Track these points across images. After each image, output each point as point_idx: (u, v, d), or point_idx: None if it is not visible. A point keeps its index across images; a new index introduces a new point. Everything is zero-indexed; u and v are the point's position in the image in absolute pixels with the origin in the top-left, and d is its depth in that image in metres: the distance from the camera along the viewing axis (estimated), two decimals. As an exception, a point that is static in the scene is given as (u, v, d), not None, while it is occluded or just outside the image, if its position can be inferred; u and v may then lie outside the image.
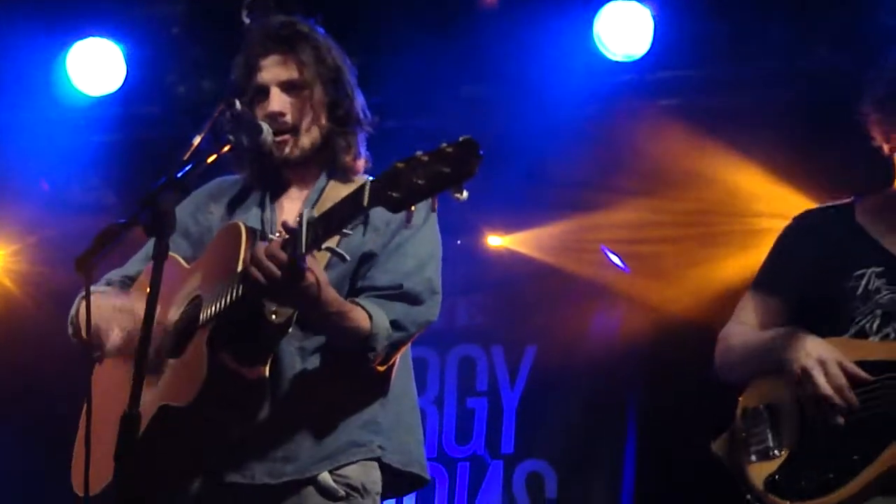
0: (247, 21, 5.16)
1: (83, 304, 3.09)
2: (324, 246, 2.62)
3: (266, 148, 3.02)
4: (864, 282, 3.17)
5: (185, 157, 2.78)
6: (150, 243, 2.95)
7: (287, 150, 3.04)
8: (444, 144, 2.42)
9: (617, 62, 5.27)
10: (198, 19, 5.48)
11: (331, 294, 2.78)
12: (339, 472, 2.91)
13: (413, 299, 2.95)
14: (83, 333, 3.04)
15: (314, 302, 2.73)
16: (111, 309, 2.99)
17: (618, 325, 6.41)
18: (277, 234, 2.91)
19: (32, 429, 6.20)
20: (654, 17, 5.16)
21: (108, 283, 3.19)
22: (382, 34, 5.18)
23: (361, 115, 3.13)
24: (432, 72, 5.26)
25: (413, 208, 2.46)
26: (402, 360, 3.05)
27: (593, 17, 5.22)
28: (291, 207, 3.09)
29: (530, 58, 5.28)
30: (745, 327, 3.35)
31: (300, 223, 2.61)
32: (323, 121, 3.06)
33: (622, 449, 6.21)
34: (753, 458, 3.14)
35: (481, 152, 2.39)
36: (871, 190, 3.34)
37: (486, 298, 6.65)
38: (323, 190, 3.05)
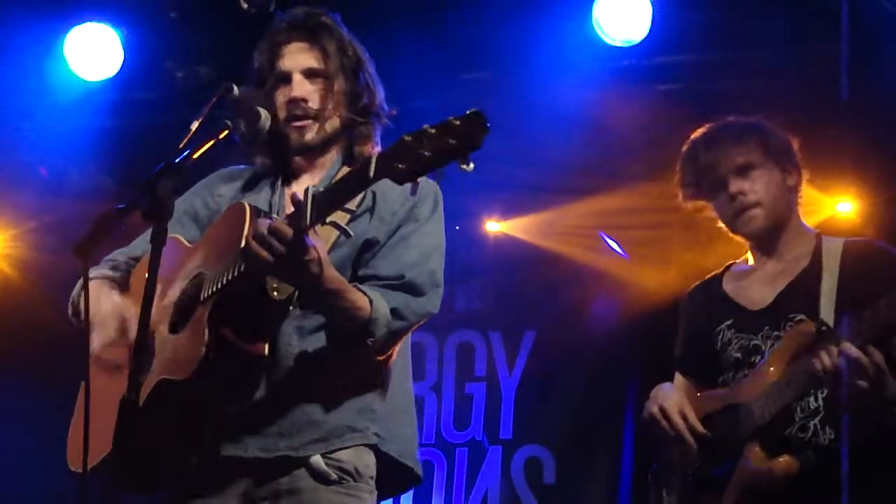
0: (244, 6, 5.16)
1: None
2: (328, 220, 2.63)
3: (266, 134, 3.03)
4: (720, 337, 3.52)
5: (184, 143, 2.78)
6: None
7: (308, 135, 3.07)
8: (452, 117, 2.43)
9: (616, 47, 5.26)
10: (196, 4, 5.47)
11: (332, 273, 2.78)
12: (331, 455, 2.91)
13: (415, 290, 2.96)
14: (82, 317, 3.09)
15: (316, 279, 2.74)
16: (104, 312, 3.00)
17: (616, 310, 6.42)
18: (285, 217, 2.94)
19: (32, 414, 6.21)
20: (652, 3, 5.16)
21: (114, 266, 3.20)
22: (380, 18, 5.16)
23: (381, 109, 3.16)
24: (430, 56, 5.26)
25: (419, 180, 2.47)
26: (400, 354, 3.06)
27: (592, 2, 5.21)
28: (301, 191, 3.10)
29: (529, 43, 5.28)
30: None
31: (306, 197, 2.63)
32: (343, 110, 3.09)
33: (621, 434, 6.23)
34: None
35: (488, 125, 2.41)
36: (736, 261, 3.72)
37: (485, 284, 6.66)
38: (334, 176, 3.06)
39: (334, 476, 2.89)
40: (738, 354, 3.47)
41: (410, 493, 6.12)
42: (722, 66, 5.44)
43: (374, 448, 2.98)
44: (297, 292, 2.81)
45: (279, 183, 3.13)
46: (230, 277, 2.76)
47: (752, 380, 3.40)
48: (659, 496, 3.63)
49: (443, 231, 3.11)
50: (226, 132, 2.88)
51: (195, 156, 2.77)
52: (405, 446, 3.05)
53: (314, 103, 3.06)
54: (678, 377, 3.72)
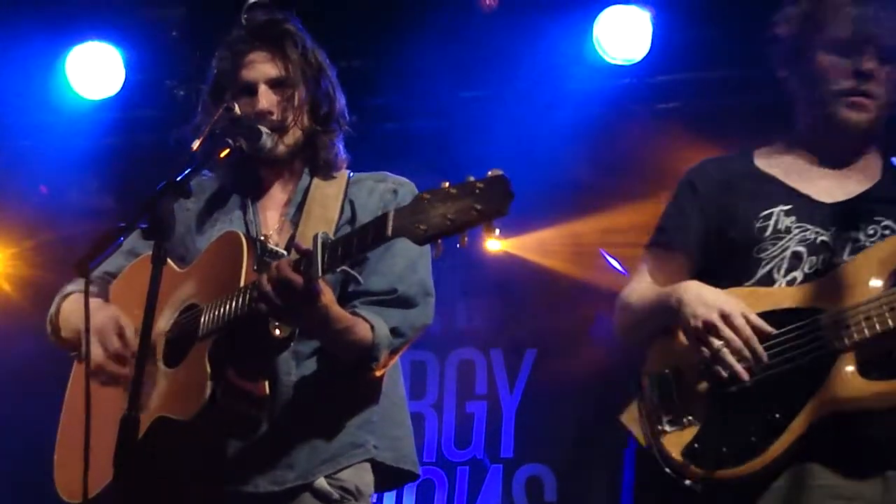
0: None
1: (63, 303, 3.10)
2: (338, 269, 2.60)
3: (263, 151, 3.01)
4: (772, 221, 2.96)
5: (184, 161, 2.77)
6: (132, 237, 2.94)
7: (269, 146, 3.00)
8: (473, 179, 2.37)
9: (616, 66, 5.27)
10: (196, 23, 5.48)
11: (337, 312, 2.76)
12: (334, 476, 2.90)
13: (408, 303, 2.94)
14: (62, 334, 3.06)
15: (322, 322, 2.73)
16: (99, 321, 2.93)
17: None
18: (262, 238, 2.90)
19: (31, 431, 6.19)
20: (652, 21, 5.17)
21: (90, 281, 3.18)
22: (384, 37, 5.18)
23: (342, 116, 3.12)
24: (433, 74, 5.27)
25: (440, 242, 2.41)
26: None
27: (593, 20, 5.23)
28: (274, 208, 3.07)
29: (530, 61, 5.29)
30: (643, 284, 3.10)
31: (315, 245, 2.58)
32: (305, 119, 3.05)
33: (622, 453, 6.20)
34: (667, 427, 2.92)
35: (512, 190, 2.34)
36: (765, 141, 3.19)
37: (486, 302, 6.66)
38: (307, 190, 3.04)
39: (336, 496, 2.88)
40: (801, 248, 2.90)
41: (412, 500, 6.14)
42: (722, 84, 5.45)
43: (370, 461, 2.96)
44: (297, 330, 2.79)
45: (248, 200, 3.08)
46: (231, 316, 2.73)
47: (833, 283, 2.82)
48: (655, 420, 2.97)
49: None
50: (227, 151, 2.88)
51: (196, 174, 2.77)
52: (399, 450, 3.03)
53: (278, 114, 3.01)
54: (650, 261, 3.13)
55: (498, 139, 5.33)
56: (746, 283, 2.92)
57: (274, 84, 3.02)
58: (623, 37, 5.20)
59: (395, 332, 2.89)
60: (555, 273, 6.44)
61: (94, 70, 5.51)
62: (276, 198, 3.08)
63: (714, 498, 2.83)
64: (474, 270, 6.49)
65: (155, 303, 2.54)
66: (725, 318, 2.80)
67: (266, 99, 3.00)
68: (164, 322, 2.93)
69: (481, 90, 5.50)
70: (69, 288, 3.15)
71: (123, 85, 5.54)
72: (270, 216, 3.06)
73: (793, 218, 2.94)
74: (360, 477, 2.95)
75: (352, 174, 3.10)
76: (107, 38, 5.51)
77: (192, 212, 3.11)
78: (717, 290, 2.86)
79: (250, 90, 3.02)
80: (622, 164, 5.81)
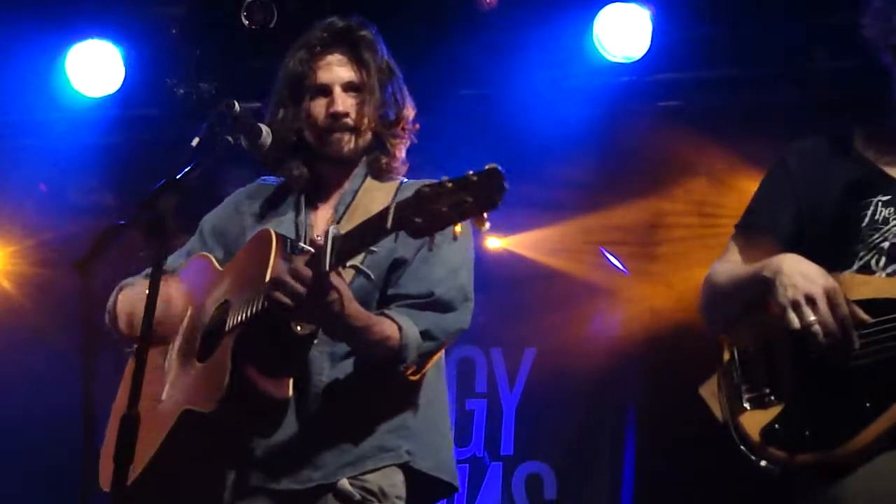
0: (246, 23, 5.18)
1: (120, 295, 3.17)
2: (349, 264, 2.64)
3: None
4: (870, 211, 2.82)
5: (185, 159, 2.78)
6: (193, 239, 3.11)
7: (346, 148, 3.08)
8: (470, 172, 2.42)
9: (616, 63, 5.27)
10: (197, 21, 5.48)
11: (355, 308, 2.77)
12: (359, 477, 2.90)
13: (444, 307, 2.96)
14: (119, 325, 3.11)
15: (337, 318, 2.73)
16: (172, 293, 3.02)
17: (617, 327, 6.41)
18: (310, 242, 2.92)
19: (33, 428, 6.20)
20: (652, 19, 5.17)
21: (146, 276, 3.20)
22: (382, 34, 5.17)
23: (409, 122, 3.19)
24: (432, 72, 5.26)
25: (434, 235, 2.45)
26: (435, 364, 3.04)
27: (592, 18, 5.22)
28: (326, 209, 3.12)
29: (529, 59, 5.28)
30: (732, 264, 2.99)
31: (326, 240, 2.62)
32: (375, 124, 3.11)
33: (622, 450, 6.21)
34: (747, 405, 2.79)
35: (506, 183, 2.38)
36: (867, 119, 3.02)
37: (486, 300, 6.60)
38: (357, 191, 3.08)
39: (358, 497, 2.88)
40: None
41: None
42: (722, 82, 5.44)
43: (403, 466, 2.96)
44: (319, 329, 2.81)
45: (303, 201, 3.13)
46: (254, 311, 2.76)
47: None
48: (735, 396, 2.84)
49: (471, 244, 3.12)
50: (226, 149, 2.88)
51: (196, 172, 2.77)
52: (439, 459, 3.03)
53: (352, 117, 3.08)
54: (739, 242, 3.01)
55: (497, 137, 5.33)
56: (845, 272, 2.78)
57: (349, 88, 3.10)
58: (623, 34, 5.19)
59: (425, 334, 2.90)
60: (555, 271, 6.44)
61: (95, 68, 5.50)
62: (330, 197, 3.13)
63: (790, 480, 2.75)
64: (475, 268, 6.48)
65: (155, 300, 2.54)
66: (827, 292, 2.67)
67: (341, 101, 3.07)
68: (205, 318, 2.97)
69: (481, 88, 5.50)
70: (127, 281, 3.22)
71: (123, 83, 5.53)
72: (321, 215, 3.11)
73: (891, 209, 2.82)
74: (388, 478, 2.94)
75: (405, 180, 3.14)
76: (107, 35, 5.51)
77: (247, 213, 3.18)
78: (817, 266, 2.72)
79: (325, 92, 3.09)
80: (622, 162, 5.81)
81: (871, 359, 2.68)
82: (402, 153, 3.15)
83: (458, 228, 2.42)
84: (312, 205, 3.13)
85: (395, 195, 3.04)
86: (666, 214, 6.01)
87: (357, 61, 3.10)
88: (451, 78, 5.41)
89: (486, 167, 2.41)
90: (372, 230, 2.56)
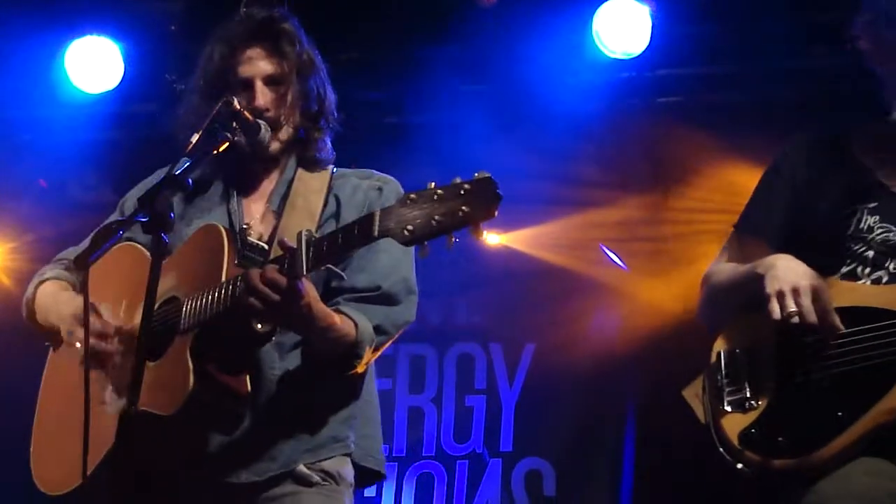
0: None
1: (39, 288, 3.19)
2: (322, 267, 2.62)
3: (260, 145, 3.02)
4: (855, 219, 2.86)
5: (183, 155, 2.78)
6: (106, 223, 2.99)
7: (268, 142, 3.03)
8: (460, 180, 2.37)
9: (615, 60, 5.27)
10: (196, 17, 5.48)
11: (320, 309, 2.77)
12: (315, 463, 2.93)
13: (391, 300, 2.96)
14: (37, 318, 3.14)
15: (305, 320, 2.74)
16: (64, 314, 2.99)
17: (617, 323, 6.41)
18: (245, 226, 2.93)
19: (31, 425, 6.19)
20: (652, 15, 5.17)
21: (67, 266, 3.19)
22: (383, 32, 5.18)
23: (332, 114, 3.15)
24: (431, 69, 5.27)
25: (426, 244, 2.40)
26: None
27: (592, 14, 5.22)
28: (258, 199, 3.09)
29: (529, 55, 5.29)
30: (728, 264, 3.05)
31: (300, 243, 2.59)
32: (297, 116, 3.08)
33: (621, 447, 6.21)
34: (728, 408, 2.85)
35: (499, 192, 2.34)
36: (865, 121, 3.04)
37: (485, 296, 6.65)
38: (291, 181, 3.06)
39: (316, 478, 2.91)
40: (881, 250, 2.82)
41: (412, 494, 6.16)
42: (721, 78, 5.45)
43: (349, 456, 3.00)
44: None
45: (232, 190, 3.10)
46: (213, 311, 2.73)
47: None
48: (717, 399, 2.88)
49: None
50: (225, 144, 2.88)
51: (195, 168, 2.77)
52: (367, 449, 3.06)
53: (273, 111, 3.04)
54: (734, 244, 3.06)
55: (497, 134, 5.33)
56: (830, 278, 2.82)
57: (270, 81, 3.05)
58: (622, 31, 5.20)
59: (378, 329, 2.91)
60: (554, 267, 6.44)
61: (94, 64, 5.50)
62: (261, 190, 3.10)
63: (766, 482, 2.80)
64: (474, 265, 6.48)
65: (154, 296, 2.55)
66: (813, 288, 2.72)
67: (262, 96, 3.03)
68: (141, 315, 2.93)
69: (480, 84, 5.50)
70: (48, 273, 3.17)
71: (122, 79, 5.54)
72: (254, 207, 3.08)
73: (877, 217, 2.85)
74: (342, 465, 2.98)
75: (335, 169, 3.13)
76: (106, 31, 5.50)
77: (175, 201, 3.12)
78: (805, 266, 2.78)
79: (246, 86, 3.05)
80: (622, 159, 5.81)
81: (846, 368, 2.73)
82: (326, 144, 3.12)
83: (452, 240, 2.37)
84: (242, 194, 3.10)
85: (331, 184, 3.05)
86: (665, 210, 6.01)
87: (278, 54, 3.06)
88: (451, 73, 5.41)
89: (476, 176, 2.36)
90: (355, 236, 2.52)
